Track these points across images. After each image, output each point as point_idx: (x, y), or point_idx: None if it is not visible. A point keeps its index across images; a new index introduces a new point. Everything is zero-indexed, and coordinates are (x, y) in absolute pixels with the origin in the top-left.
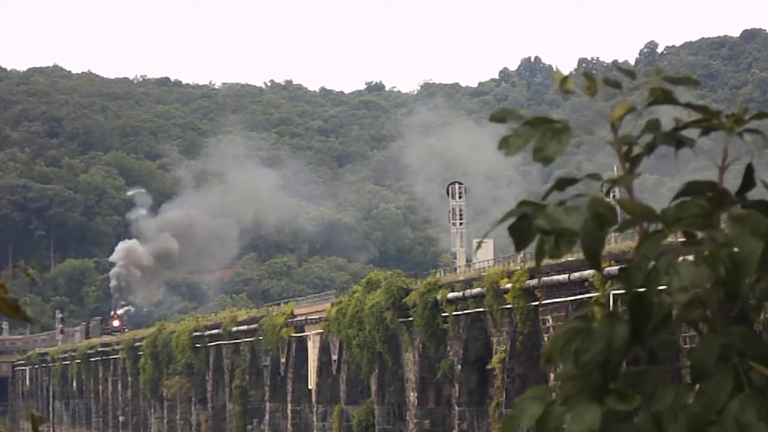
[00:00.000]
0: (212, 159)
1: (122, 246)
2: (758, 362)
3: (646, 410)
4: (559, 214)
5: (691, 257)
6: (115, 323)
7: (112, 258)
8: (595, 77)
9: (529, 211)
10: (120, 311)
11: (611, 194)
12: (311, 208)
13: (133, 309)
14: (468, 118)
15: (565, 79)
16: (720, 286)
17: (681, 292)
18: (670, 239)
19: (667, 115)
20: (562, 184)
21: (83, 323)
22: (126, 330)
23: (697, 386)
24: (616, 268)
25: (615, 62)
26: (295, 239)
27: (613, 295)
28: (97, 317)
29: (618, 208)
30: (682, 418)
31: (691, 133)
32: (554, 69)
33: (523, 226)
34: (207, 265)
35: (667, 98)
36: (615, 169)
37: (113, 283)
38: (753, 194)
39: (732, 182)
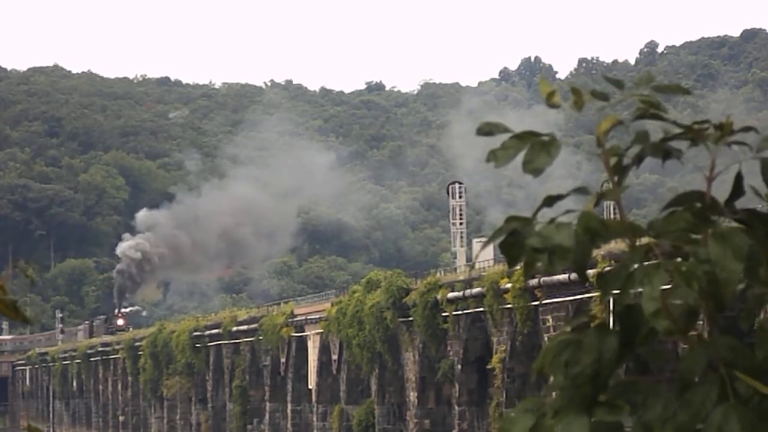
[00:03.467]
0: (224, 159)
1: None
2: (746, 373)
3: (637, 420)
4: (551, 231)
5: (667, 272)
6: (120, 322)
7: (143, 216)
8: (582, 90)
9: (517, 227)
10: (125, 310)
11: (601, 205)
12: (311, 207)
13: (143, 311)
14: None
15: (551, 94)
16: (708, 298)
17: (650, 301)
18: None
19: (657, 126)
20: (551, 200)
21: (86, 322)
22: (131, 329)
23: (684, 396)
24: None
25: (615, 62)
26: (296, 238)
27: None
28: (101, 316)
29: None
30: (669, 428)
31: (682, 143)
32: (539, 78)
33: (513, 242)
34: (264, 254)
35: (654, 113)
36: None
37: (131, 258)
38: (744, 201)
39: (726, 189)
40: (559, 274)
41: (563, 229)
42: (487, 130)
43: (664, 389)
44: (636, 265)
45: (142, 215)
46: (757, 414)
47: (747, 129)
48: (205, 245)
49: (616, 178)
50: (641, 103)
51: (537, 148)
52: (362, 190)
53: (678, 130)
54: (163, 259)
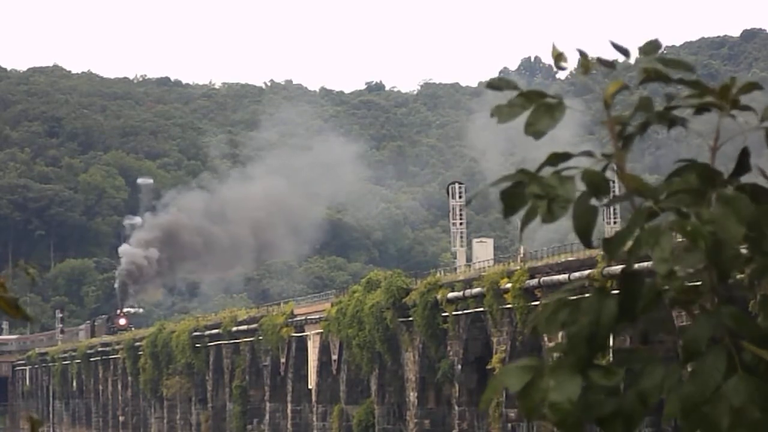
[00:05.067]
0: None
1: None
2: (751, 343)
3: (633, 387)
4: (554, 181)
5: (674, 232)
6: (122, 321)
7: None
8: (589, 56)
9: (524, 179)
10: (126, 309)
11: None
12: (311, 207)
13: (141, 310)
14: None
15: (559, 56)
16: (711, 267)
17: (661, 263)
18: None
19: (661, 98)
20: (556, 159)
21: (88, 322)
22: (132, 329)
23: (690, 366)
24: (618, 267)
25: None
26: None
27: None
28: (103, 315)
29: (612, 186)
30: (676, 398)
31: (686, 116)
32: (552, 45)
33: (515, 192)
34: (291, 251)
35: (660, 76)
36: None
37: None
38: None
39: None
40: (559, 274)
41: (566, 182)
42: (497, 85)
43: (663, 359)
44: (639, 228)
45: (171, 195)
46: (765, 383)
47: (751, 87)
48: (237, 240)
49: (620, 144)
50: (645, 70)
51: (541, 111)
52: (363, 189)
53: (686, 91)
54: (194, 250)
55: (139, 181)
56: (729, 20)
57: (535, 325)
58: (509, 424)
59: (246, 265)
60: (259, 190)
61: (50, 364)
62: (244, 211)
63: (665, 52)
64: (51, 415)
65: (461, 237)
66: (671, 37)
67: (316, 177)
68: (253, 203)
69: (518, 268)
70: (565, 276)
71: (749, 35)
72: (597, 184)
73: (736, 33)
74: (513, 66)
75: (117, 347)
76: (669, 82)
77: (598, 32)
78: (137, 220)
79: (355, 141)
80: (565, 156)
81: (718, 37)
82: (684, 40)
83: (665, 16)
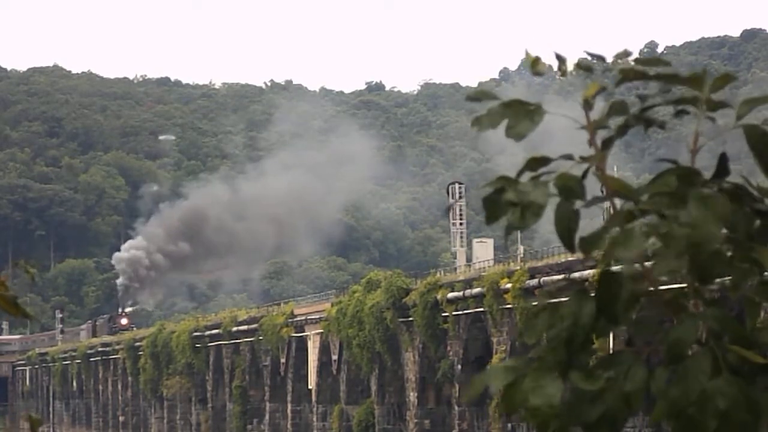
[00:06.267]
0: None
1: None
2: (735, 344)
3: (618, 390)
4: (527, 187)
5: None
6: (124, 321)
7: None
8: (566, 60)
9: (505, 186)
10: (128, 309)
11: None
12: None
13: (141, 308)
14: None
15: (535, 61)
16: (693, 270)
17: (628, 263)
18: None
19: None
20: (535, 163)
21: (89, 321)
22: (134, 328)
23: (675, 369)
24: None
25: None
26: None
27: None
28: (104, 315)
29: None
30: (662, 401)
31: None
32: (526, 52)
33: (496, 198)
34: (308, 249)
35: (637, 75)
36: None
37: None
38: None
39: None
40: (559, 274)
41: (540, 187)
42: (476, 96)
43: (646, 361)
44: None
45: (196, 189)
46: (749, 385)
47: (727, 79)
48: (258, 236)
49: (599, 145)
50: (622, 71)
51: (521, 114)
52: (363, 189)
53: (659, 98)
54: (214, 249)
55: (161, 137)
56: (729, 20)
57: (521, 333)
58: (509, 424)
59: (261, 264)
60: (281, 187)
61: (50, 364)
62: (264, 207)
63: (665, 52)
64: (51, 415)
65: (461, 237)
66: (671, 37)
67: (322, 177)
68: (274, 200)
69: (518, 268)
70: (566, 276)
71: (749, 35)
72: (570, 188)
73: (736, 33)
74: (513, 66)
75: (117, 347)
76: (648, 79)
77: (598, 32)
78: (155, 188)
79: (359, 140)
80: (544, 160)
81: (718, 37)
82: (684, 40)
83: (665, 16)
